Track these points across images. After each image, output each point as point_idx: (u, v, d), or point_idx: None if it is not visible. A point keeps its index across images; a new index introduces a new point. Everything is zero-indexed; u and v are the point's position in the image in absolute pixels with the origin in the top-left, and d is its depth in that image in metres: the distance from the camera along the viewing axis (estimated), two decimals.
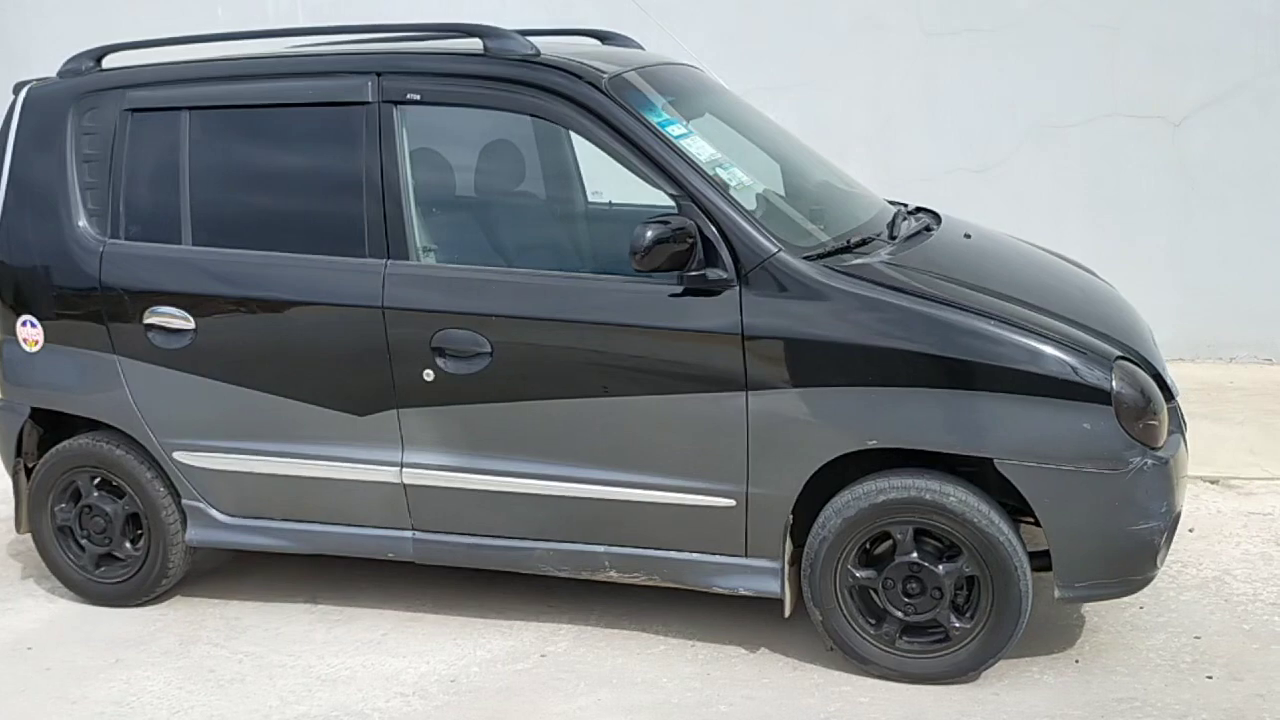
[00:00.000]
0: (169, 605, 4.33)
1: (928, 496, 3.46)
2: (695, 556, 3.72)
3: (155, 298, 4.01)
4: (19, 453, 4.35)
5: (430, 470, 3.85)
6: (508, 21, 4.20)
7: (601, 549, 3.79)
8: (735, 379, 3.52)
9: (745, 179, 3.76)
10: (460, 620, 4.11)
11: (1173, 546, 4.27)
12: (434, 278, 3.79)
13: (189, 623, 4.20)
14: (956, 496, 3.45)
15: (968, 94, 6.56)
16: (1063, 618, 3.92)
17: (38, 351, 4.20)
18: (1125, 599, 3.77)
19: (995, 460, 3.41)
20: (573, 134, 4.01)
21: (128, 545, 4.28)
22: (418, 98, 3.79)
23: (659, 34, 5.88)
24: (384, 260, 3.79)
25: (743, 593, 3.70)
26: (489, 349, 3.69)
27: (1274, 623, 3.86)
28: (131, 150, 4.06)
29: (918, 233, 4.01)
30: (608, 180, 4.23)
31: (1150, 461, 3.40)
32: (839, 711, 3.49)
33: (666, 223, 3.46)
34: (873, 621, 3.61)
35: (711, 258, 3.51)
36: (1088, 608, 3.96)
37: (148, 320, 4.02)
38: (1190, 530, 4.50)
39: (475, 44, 3.81)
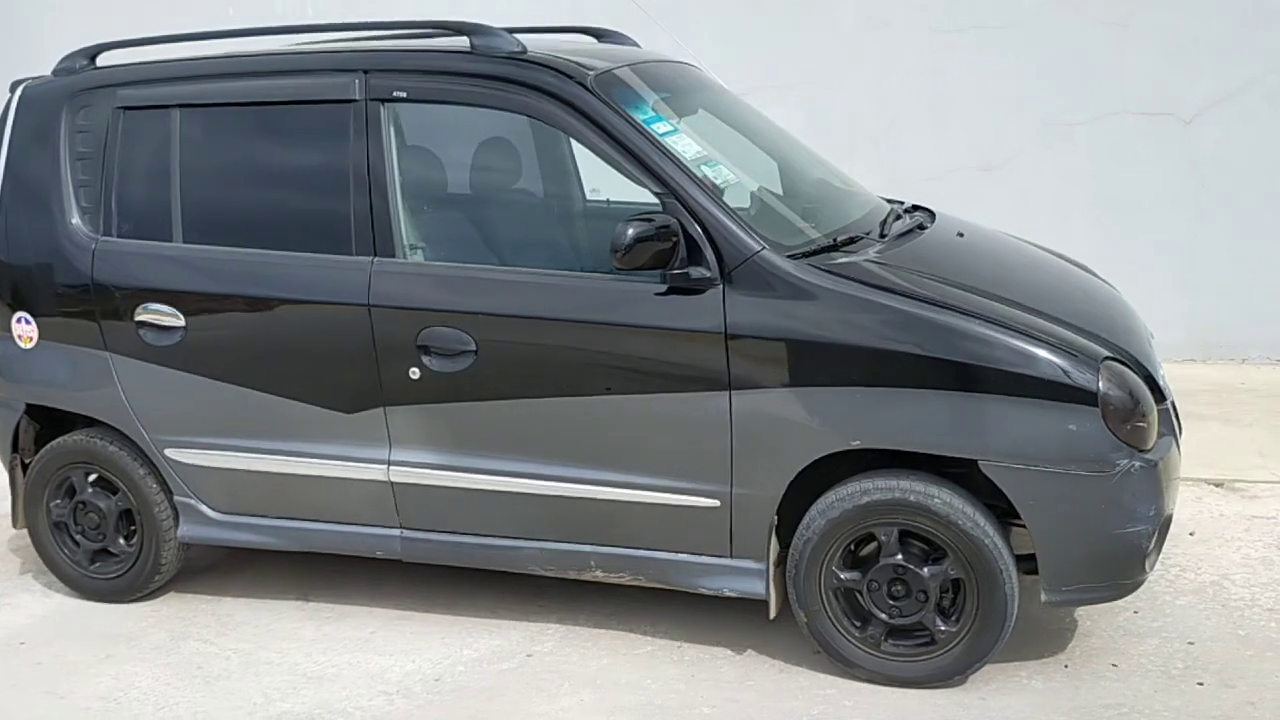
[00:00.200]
0: (162, 601, 4.35)
1: (912, 498, 3.43)
2: (681, 557, 3.70)
3: (146, 295, 4.03)
4: (15, 448, 4.38)
5: (417, 468, 3.85)
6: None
7: (587, 548, 3.78)
8: (719, 378, 3.49)
9: (732, 176, 3.73)
10: (449, 619, 4.10)
11: (1172, 550, 4.25)
12: (419, 275, 3.78)
13: (181, 618, 4.22)
14: (941, 498, 3.41)
15: (975, 92, 6.50)
16: (1054, 622, 3.87)
17: (32, 348, 4.22)
18: (1119, 603, 3.72)
19: (980, 461, 3.37)
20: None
21: (121, 541, 4.30)
22: (404, 95, 3.80)
23: (663, 33, 5.86)
24: (370, 258, 3.79)
25: (728, 593, 3.67)
26: (474, 347, 3.68)
27: (1270, 629, 3.80)
28: (123, 148, 4.08)
29: (908, 231, 3.97)
30: (607, 180, 4.20)
31: (1138, 464, 3.35)
32: (822, 715, 3.46)
33: (649, 220, 3.43)
34: (858, 624, 3.57)
35: (695, 256, 3.48)
36: (1080, 612, 3.91)
37: (139, 317, 4.04)
38: (1191, 534, 4.44)
39: (463, 42, 3.81)
